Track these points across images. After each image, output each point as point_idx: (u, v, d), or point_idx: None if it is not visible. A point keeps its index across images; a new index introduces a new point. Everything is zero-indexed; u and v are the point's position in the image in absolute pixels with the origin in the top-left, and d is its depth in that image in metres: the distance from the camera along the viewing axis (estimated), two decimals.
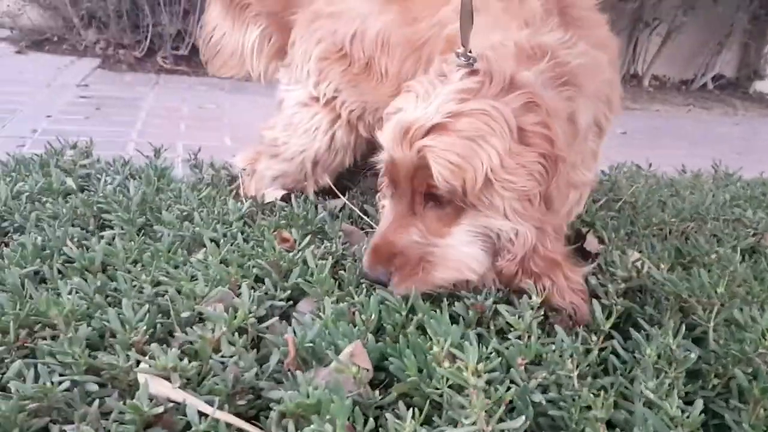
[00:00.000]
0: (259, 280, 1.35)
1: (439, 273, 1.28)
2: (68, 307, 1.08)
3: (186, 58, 5.47)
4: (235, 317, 1.09)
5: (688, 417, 0.98)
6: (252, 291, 1.22)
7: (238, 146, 2.53)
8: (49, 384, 0.96)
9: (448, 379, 1.03)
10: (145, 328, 1.07)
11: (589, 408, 1.02)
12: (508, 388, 0.98)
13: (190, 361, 1.00)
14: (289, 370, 1.07)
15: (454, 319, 1.21)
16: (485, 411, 0.93)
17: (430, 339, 1.13)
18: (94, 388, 0.98)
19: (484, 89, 1.22)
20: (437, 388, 1.04)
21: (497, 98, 1.22)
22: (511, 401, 0.98)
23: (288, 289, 1.32)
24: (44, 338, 1.10)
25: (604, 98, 1.47)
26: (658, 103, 6.43)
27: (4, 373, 1.02)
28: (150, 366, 0.99)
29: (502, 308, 1.20)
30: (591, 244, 1.60)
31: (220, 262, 1.33)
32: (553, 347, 1.12)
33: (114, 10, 5.02)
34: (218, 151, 2.41)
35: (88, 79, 4.28)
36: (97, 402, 0.95)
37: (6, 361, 1.05)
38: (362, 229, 1.66)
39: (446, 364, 1.05)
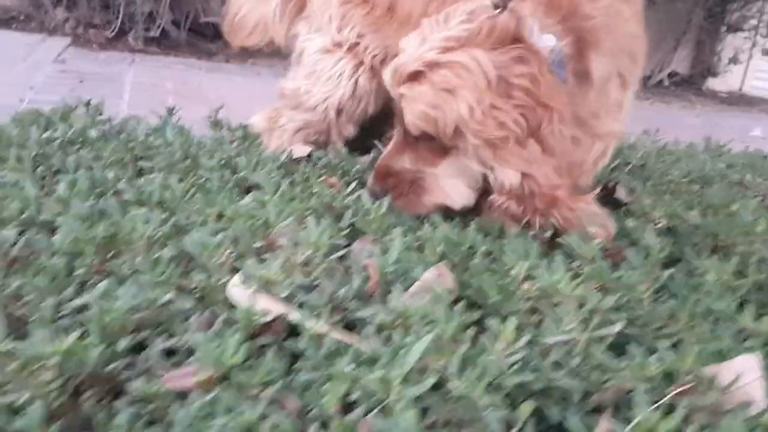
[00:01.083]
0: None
1: (427, 196, 1.43)
2: (148, 232, 1.07)
3: (156, 39, 5.38)
4: (320, 240, 1.10)
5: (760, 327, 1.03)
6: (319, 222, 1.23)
7: (231, 119, 2.50)
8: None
9: (529, 299, 1.08)
10: (229, 251, 1.07)
11: (662, 327, 1.07)
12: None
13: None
14: (374, 293, 1.08)
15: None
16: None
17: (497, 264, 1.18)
18: (188, 305, 0.98)
19: (474, 38, 1.29)
20: (515, 310, 1.08)
21: (489, 49, 1.29)
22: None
23: (344, 228, 1.33)
24: (115, 264, 1.09)
25: (628, 52, 1.53)
26: None
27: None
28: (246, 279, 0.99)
29: (569, 239, 1.23)
30: (621, 193, 1.66)
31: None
32: (619, 273, 1.16)
33: None
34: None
35: (62, 55, 4.17)
36: (196, 315, 0.95)
37: (88, 283, 1.03)
38: None
39: (525, 286, 1.09)
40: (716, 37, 8.13)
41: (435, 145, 1.38)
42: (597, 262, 1.18)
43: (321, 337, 0.91)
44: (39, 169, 1.43)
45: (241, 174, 1.49)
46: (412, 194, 1.42)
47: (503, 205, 1.38)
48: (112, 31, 5.11)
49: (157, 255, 1.06)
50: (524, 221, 1.38)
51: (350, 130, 1.86)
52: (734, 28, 8.10)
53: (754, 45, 8.59)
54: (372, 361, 0.90)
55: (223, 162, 1.55)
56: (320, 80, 1.80)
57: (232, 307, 1.00)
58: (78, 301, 0.97)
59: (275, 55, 6.03)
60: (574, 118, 1.42)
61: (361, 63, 1.79)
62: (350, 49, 1.80)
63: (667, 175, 1.98)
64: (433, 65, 1.29)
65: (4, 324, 0.85)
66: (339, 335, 0.93)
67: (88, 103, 1.94)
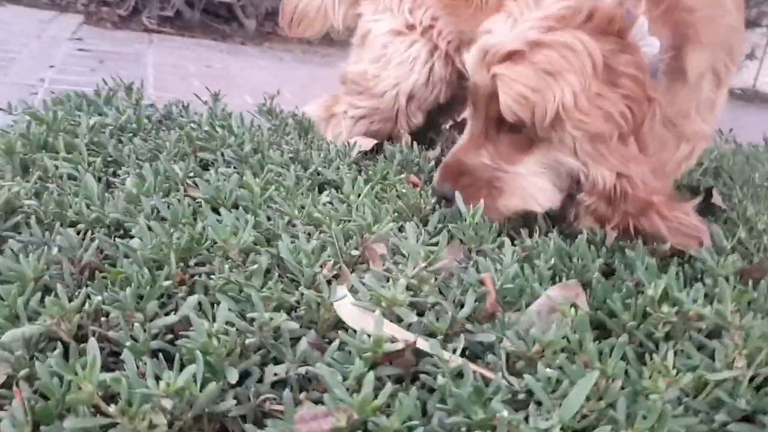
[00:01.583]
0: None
1: (504, 200, 1.27)
2: (244, 237, 0.93)
3: (170, 19, 5.22)
4: (429, 255, 0.97)
5: None
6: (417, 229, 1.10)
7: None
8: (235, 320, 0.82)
9: (664, 325, 0.95)
10: (332, 261, 0.94)
11: None
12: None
13: None
14: (492, 313, 0.95)
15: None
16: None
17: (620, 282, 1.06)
18: (295, 326, 0.84)
19: (576, 19, 1.17)
20: (650, 334, 0.96)
21: (592, 33, 1.16)
22: None
23: (433, 234, 1.20)
24: (199, 275, 0.96)
25: (727, 46, 1.41)
26: None
27: (174, 311, 0.87)
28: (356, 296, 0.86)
29: (703, 254, 1.11)
30: (717, 199, 1.54)
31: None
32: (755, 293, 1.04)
33: None
34: (242, 109, 2.23)
35: (78, 33, 4.01)
36: (304, 340, 0.82)
37: (176, 296, 0.90)
38: None
39: (665, 308, 0.96)
40: None
41: (520, 137, 1.24)
42: (732, 281, 1.05)
43: (458, 371, 0.78)
44: (93, 160, 1.28)
45: (312, 169, 1.35)
46: (486, 197, 1.24)
47: (591, 207, 1.25)
48: (126, 9, 4.95)
49: (250, 265, 0.93)
50: (614, 223, 1.25)
51: (419, 119, 1.72)
52: (752, 24, 7.96)
53: None
54: (521, 402, 0.78)
55: (291, 156, 1.41)
56: (391, 64, 1.66)
57: (339, 326, 0.87)
58: (165, 320, 0.84)
59: (293, 37, 5.88)
60: (662, 117, 1.31)
61: (436, 48, 1.65)
62: (424, 32, 1.65)
63: (747, 177, 1.86)
64: (535, 45, 1.16)
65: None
66: (478, 369, 0.80)
67: (130, 87, 1.79)
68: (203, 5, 5.58)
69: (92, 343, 0.69)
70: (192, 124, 1.49)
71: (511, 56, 1.17)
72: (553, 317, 0.93)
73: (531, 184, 1.27)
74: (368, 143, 1.65)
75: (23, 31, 3.81)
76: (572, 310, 0.92)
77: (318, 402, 0.74)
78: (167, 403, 0.65)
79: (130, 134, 1.43)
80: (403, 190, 1.26)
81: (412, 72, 1.64)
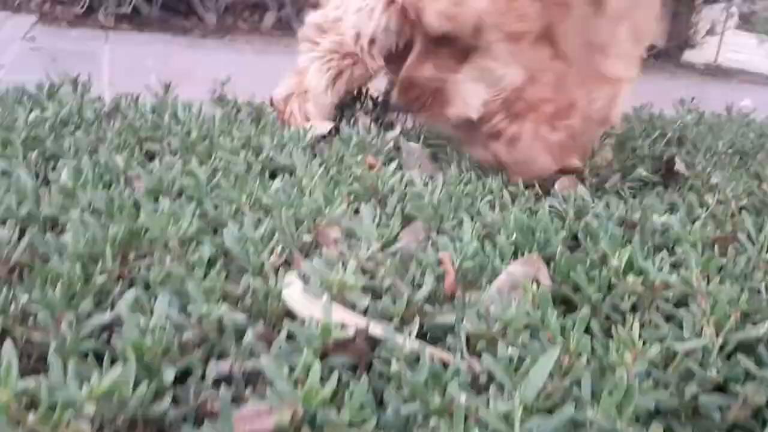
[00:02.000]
0: None
1: (449, 108, 1.36)
2: (183, 226, 0.88)
3: (128, 17, 5.11)
4: (383, 236, 0.92)
5: None
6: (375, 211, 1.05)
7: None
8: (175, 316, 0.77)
9: (630, 296, 0.92)
10: (281, 248, 0.89)
11: None
12: None
13: None
14: (452, 293, 0.91)
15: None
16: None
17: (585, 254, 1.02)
18: (240, 318, 0.79)
19: None
20: (616, 306, 0.92)
21: None
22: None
23: (392, 216, 1.15)
24: (138, 269, 0.90)
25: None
26: None
27: (111, 308, 0.81)
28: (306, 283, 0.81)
29: (668, 218, 1.07)
30: (681, 166, 1.50)
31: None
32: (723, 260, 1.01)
33: None
34: (199, 101, 2.16)
35: (31, 32, 3.89)
36: (250, 332, 0.77)
37: (114, 292, 0.84)
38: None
39: (630, 278, 0.92)
40: (691, 7, 8.04)
41: (456, 48, 1.31)
42: (699, 248, 1.02)
43: (414, 356, 0.73)
44: (30, 155, 1.21)
45: (264, 154, 1.29)
46: (435, 106, 1.37)
47: (486, 102, 1.34)
48: (81, 7, 4.82)
49: (192, 255, 0.87)
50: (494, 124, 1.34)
51: (381, 62, 1.68)
52: (711, 0, 8.03)
53: (728, 17, 8.56)
54: (482, 384, 0.74)
55: (242, 142, 1.35)
56: (349, 11, 1.63)
57: (290, 316, 0.82)
58: (100, 318, 0.78)
59: (254, 30, 5.79)
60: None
61: (393, 1, 1.61)
62: None
63: (711, 146, 1.83)
64: None
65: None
66: (436, 353, 0.76)
67: (75, 80, 1.71)
68: (161, 1, 5.47)
69: (8, 345, 0.63)
70: (137, 114, 1.41)
71: None
72: (515, 294, 0.88)
73: (466, 90, 1.34)
74: (324, 127, 1.60)
75: None
76: (534, 285, 0.88)
77: (265, 398, 0.69)
78: (90, 408, 0.60)
79: (73, 128, 1.36)
80: (359, 172, 1.20)
81: (371, 20, 1.60)
